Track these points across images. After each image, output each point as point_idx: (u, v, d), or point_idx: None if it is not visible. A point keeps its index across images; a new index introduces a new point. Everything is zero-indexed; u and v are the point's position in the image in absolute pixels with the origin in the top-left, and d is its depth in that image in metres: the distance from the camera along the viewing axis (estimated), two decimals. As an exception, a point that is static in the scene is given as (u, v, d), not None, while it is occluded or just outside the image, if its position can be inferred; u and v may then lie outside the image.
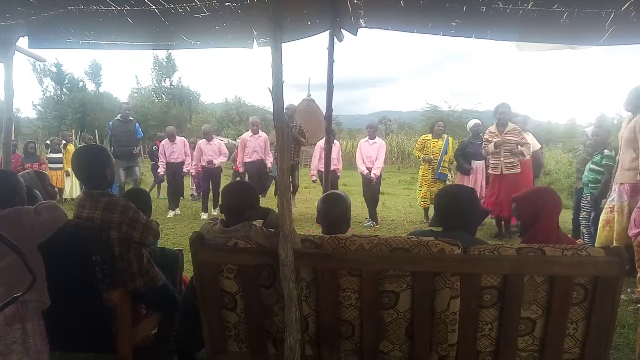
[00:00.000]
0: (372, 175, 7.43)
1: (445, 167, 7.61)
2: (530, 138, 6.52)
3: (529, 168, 6.44)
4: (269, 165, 8.18)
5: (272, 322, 2.15)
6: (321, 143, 7.47)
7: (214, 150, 8.22)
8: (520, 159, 6.17)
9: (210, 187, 8.30)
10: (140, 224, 2.41)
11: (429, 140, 7.63)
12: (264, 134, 8.29)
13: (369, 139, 7.72)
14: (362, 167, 7.62)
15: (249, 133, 8.22)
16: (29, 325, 2.05)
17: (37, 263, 2.03)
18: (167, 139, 8.55)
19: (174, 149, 8.41)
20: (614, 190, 4.49)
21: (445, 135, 7.67)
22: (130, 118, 8.42)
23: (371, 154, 7.58)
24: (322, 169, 7.12)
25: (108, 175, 2.47)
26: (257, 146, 8.04)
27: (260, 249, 2.09)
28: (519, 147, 6.13)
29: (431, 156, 7.47)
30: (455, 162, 7.87)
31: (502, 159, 6.20)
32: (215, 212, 8.13)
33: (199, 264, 2.12)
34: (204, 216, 8.02)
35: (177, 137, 8.62)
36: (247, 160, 8.09)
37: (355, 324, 2.06)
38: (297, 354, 1.98)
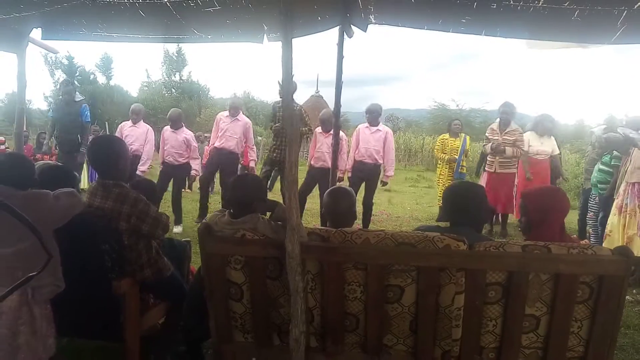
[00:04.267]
0: (386, 178, 6.21)
1: (464, 167, 7.48)
2: (551, 142, 6.47)
3: (547, 170, 6.46)
4: (252, 161, 6.61)
5: (277, 313, 2.17)
6: (318, 130, 6.14)
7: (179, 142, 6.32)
8: (539, 159, 6.31)
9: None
10: (149, 217, 2.44)
11: (447, 139, 7.45)
12: (246, 119, 6.43)
13: (370, 126, 5.96)
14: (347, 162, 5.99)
15: (225, 113, 6.37)
16: (36, 309, 2.09)
17: (52, 246, 2.07)
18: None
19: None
20: (624, 190, 4.45)
21: (463, 135, 7.49)
22: (77, 98, 6.62)
23: (374, 145, 5.83)
24: (313, 163, 6.00)
25: (121, 166, 2.50)
26: (229, 130, 6.16)
27: (268, 241, 2.11)
28: (511, 146, 6.23)
29: (455, 156, 7.24)
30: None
31: (496, 158, 6.32)
32: (177, 230, 6.18)
33: (206, 255, 2.15)
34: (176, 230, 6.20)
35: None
36: (217, 145, 6.21)
37: (360, 317, 2.08)
38: (302, 345, 2.00)
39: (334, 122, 3.91)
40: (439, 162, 7.68)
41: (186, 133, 6.43)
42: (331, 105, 3.82)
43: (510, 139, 6.26)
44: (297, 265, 1.94)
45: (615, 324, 1.94)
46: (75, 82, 7.09)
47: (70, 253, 2.20)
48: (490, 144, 6.35)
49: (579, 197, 7.06)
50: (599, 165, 5.36)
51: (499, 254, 1.92)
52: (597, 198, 5.37)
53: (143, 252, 2.49)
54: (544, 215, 2.27)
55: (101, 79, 44.29)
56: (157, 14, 3.00)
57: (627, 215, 4.34)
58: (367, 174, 5.90)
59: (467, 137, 7.56)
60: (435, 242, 1.95)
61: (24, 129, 4.17)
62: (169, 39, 3.61)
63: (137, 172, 6.33)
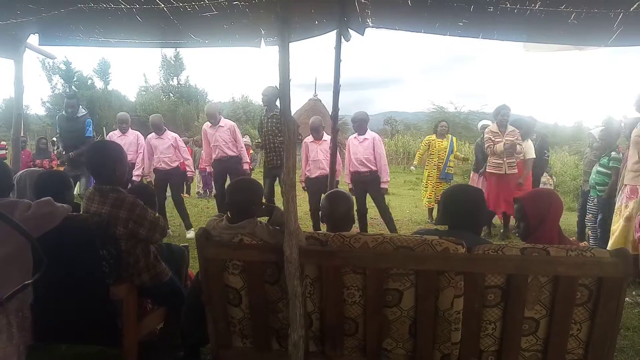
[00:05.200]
0: (384, 185, 5.99)
1: (452, 167, 7.62)
2: (528, 145, 6.53)
3: (521, 169, 6.50)
4: (246, 163, 6.43)
5: (276, 318, 2.17)
6: (308, 140, 6.17)
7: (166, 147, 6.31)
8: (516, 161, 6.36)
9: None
10: (147, 221, 2.43)
11: (433, 140, 7.61)
12: (228, 122, 6.39)
13: (358, 135, 6.07)
14: (348, 178, 6.13)
15: (208, 123, 6.38)
16: (12, 317, 2.03)
17: (24, 258, 1.98)
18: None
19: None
20: (620, 192, 4.48)
21: (449, 135, 7.66)
22: (80, 113, 6.41)
23: (363, 153, 5.93)
24: (309, 174, 5.96)
25: (118, 171, 2.50)
26: (218, 139, 6.18)
27: (266, 245, 2.10)
28: (517, 146, 6.25)
29: (443, 156, 7.39)
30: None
31: (505, 159, 6.28)
32: (189, 235, 6.13)
33: (204, 260, 2.14)
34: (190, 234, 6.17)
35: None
36: (215, 157, 6.30)
37: (358, 321, 2.07)
38: (300, 350, 1.99)
39: (332, 126, 3.90)
40: (427, 164, 7.77)
41: (171, 135, 6.44)
42: (329, 108, 3.81)
43: (512, 139, 6.27)
44: (296, 270, 1.94)
45: (615, 325, 1.93)
46: (76, 90, 6.90)
47: (68, 259, 2.19)
48: (501, 143, 6.22)
49: (578, 199, 7.08)
50: (597, 167, 5.37)
51: (497, 257, 1.92)
52: (595, 200, 5.38)
53: (141, 256, 2.48)
54: (543, 217, 2.28)
55: (99, 84, 44.13)
56: (154, 19, 3.00)
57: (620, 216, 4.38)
58: (367, 184, 6.01)
59: (454, 138, 7.72)
60: (434, 245, 1.95)
61: (22, 134, 4.17)
62: (167, 44, 3.62)
63: (133, 178, 6.35)
